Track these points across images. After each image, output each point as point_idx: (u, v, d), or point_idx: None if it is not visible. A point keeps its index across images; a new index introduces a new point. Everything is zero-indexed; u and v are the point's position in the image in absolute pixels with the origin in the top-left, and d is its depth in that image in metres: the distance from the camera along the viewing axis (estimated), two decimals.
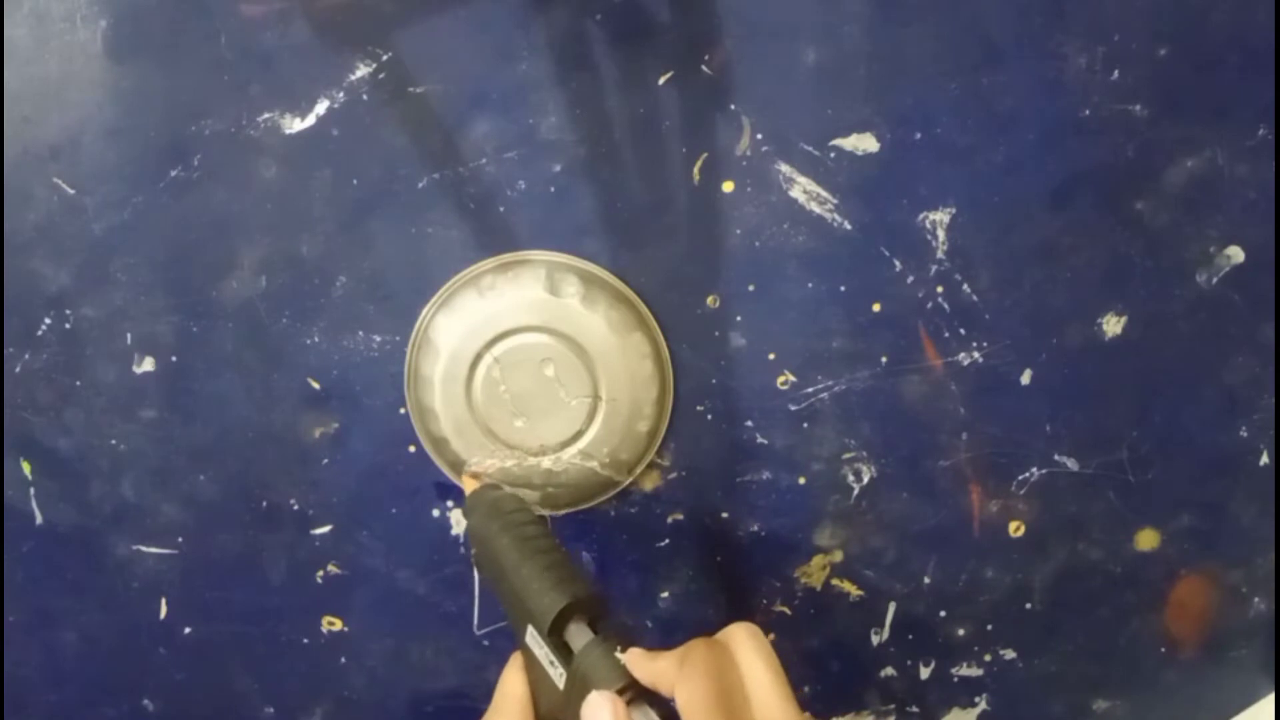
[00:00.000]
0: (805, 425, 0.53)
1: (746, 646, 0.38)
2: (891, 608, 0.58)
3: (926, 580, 0.57)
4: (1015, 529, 0.56)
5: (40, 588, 0.57)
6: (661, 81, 0.47)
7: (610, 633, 0.40)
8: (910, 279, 0.50)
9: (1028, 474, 0.55)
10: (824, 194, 0.49)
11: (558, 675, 0.40)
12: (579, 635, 0.40)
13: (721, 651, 0.37)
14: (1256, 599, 0.59)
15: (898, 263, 0.50)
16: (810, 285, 0.51)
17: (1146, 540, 0.57)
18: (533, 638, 0.41)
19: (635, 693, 0.37)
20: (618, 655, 0.38)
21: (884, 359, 0.52)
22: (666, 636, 0.57)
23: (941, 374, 0.52)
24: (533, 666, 0.42)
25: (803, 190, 0.49)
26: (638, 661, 0.38)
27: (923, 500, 0.55)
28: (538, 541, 0.44)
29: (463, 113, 0.48)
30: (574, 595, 0.40)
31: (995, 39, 0.47)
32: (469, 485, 0.50)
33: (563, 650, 0.40)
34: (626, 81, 0.47)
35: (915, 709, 0.61)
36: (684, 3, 0.46)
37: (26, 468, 0.54)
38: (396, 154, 0.48)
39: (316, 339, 0.51)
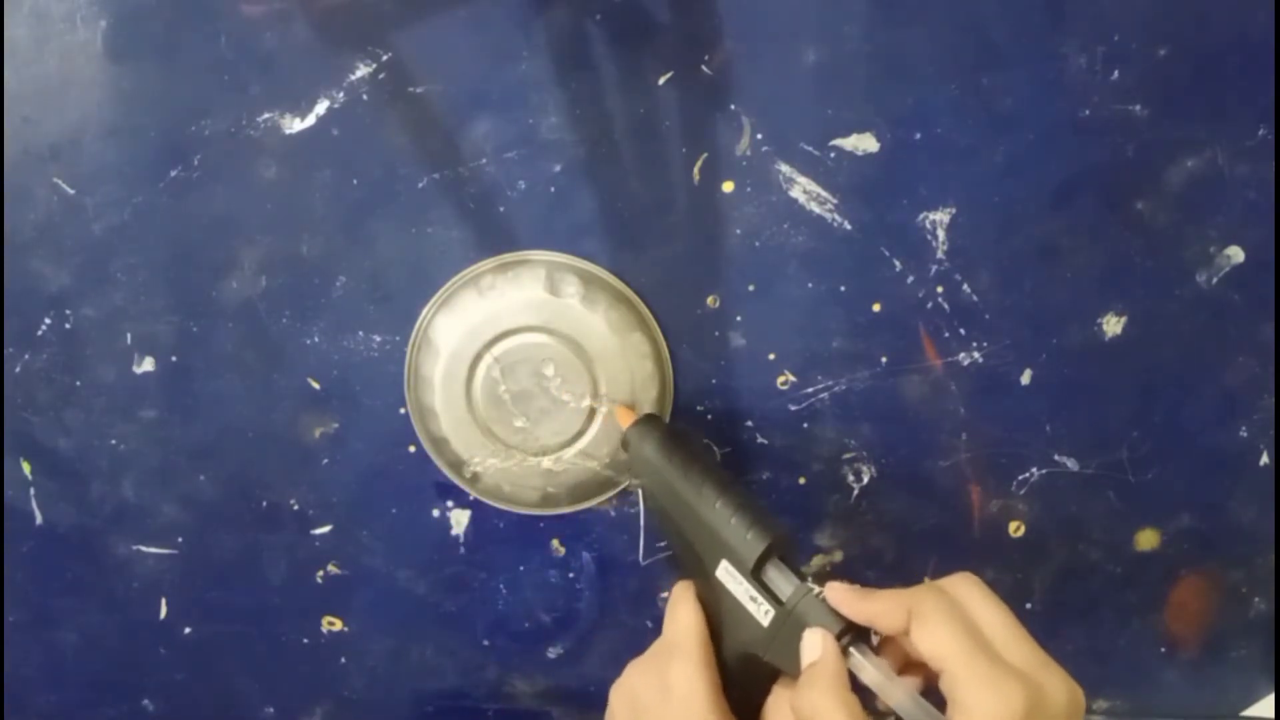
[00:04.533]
0: (805, 425, 0.53)
1: (977, 595, 0.38)
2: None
3: (926, 580, 0.57)
4: (1015, 529, 0.56)
5: (40, 588, 0.57)
6: (661, 81, 0.47)
7: (804, 574, 0.41)
8: (910, 279, 0.50)
9: (1028, 474, 0.55)
10: (824, 194, 0.49)
11: (763, 612, 0.41)
12: (781, 574, 0.41)
13: (953, 600, 0.37)
14: (1256, 599, 0.59)
15: (898, 263, 0.50)
16: (810, 285, 0.51)
17: (1146, 540, 0.57)
18: (728, 573, 0.42)
19: (854, 634, 0.39)
20: (825, 596, 0.39)
21: (884, 359, 0.52)
22: None
23: (941, 374, 0.52)
24: (718, 601, 0.42)
25: (803, 190, 0.49)
26: (848, 600, 0.38)
27: (923, 500, 0.55)
28: (723, 475, 0.44)
29: (463, 113, 0.48)
30: (776, 534, 0.41)
31: (995, 39, 0.47)
32: (625, 416, 0.48)
33: (763, 587, 0.41)
34: (626, 81, 0.47)
35: None
36: (684, 3, 0.46)
37: (26, 468, 0.54)
38: (396, 154, 0.48)
39: (316, 339, 0.51)
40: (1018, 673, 0.34)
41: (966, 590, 0.38)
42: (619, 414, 0.49)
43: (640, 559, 0.49)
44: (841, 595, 0.39)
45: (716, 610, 0.43)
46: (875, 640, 0.39)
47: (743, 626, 0.41)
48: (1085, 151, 0.49)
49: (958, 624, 0.36)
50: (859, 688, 0.38)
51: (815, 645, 0.38)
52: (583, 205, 0.49)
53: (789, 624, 0.40)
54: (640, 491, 0.46)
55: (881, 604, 0.38)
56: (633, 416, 0.48)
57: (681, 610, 0.44)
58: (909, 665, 0.38)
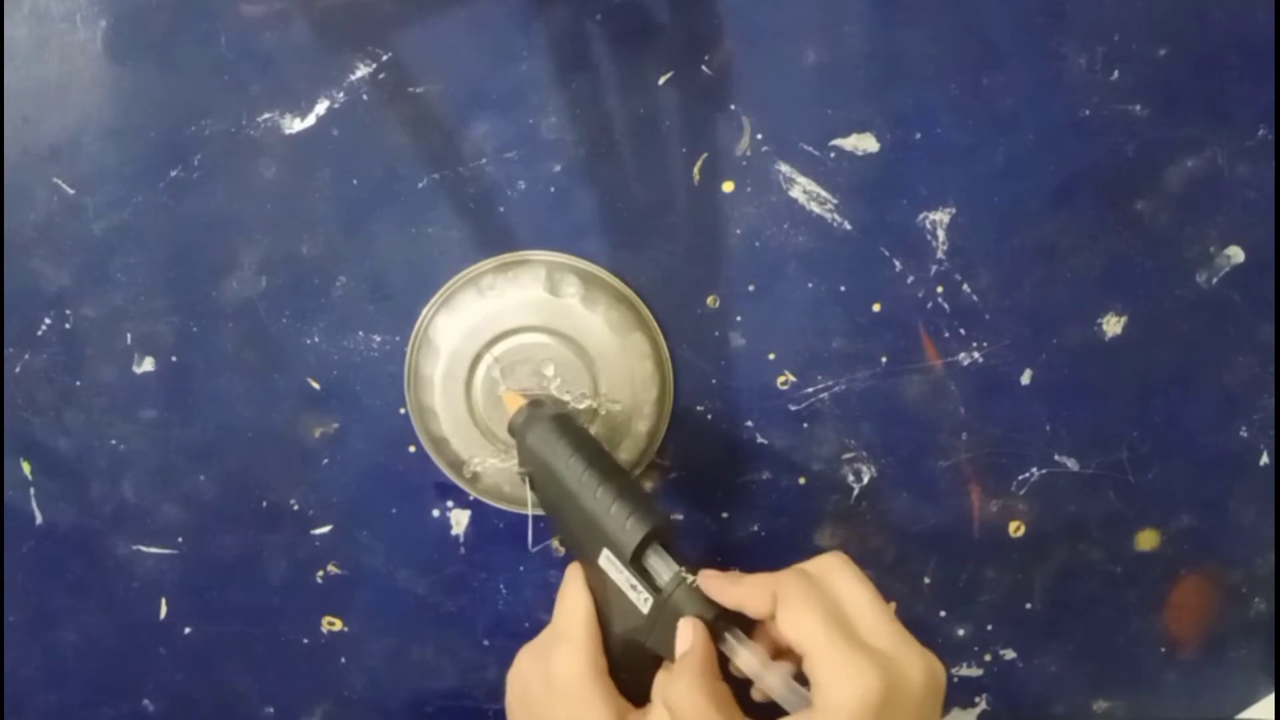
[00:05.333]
0: (805, 425, 0.53)
1: (842, 575, 0.39)
2: (891, 608, 0.58)
3: (926, 580, 0.57)
4: (1015, 529, 0.56)
5: (40, 588, 0.57)
6: (661, 81, 0.47)
7: (685, 560, 0.42)
8: (910, 279, 0.51)
9: (1028, 474, 0.55)
10: (824, 194, 0.49)
11: (642, 600, 0.42)
12: (661, 561, 0.42)
13: (817, 580, 0.38)
14: (1256, 599, 0.59)
15: (898, 263, 0.50)
16: (810, 285, 0.51)
17: (1146, 540, 0.57)
18: (609, 561, 0.42)
19: (726, 620, 0.40)
20: (699, 584, 0.40)
21: (884, 359, 0.52)
22: None
23: (941, 374, 0.52)
24: (604, 586, 0.43)
25: (803, 190, 0.49)
26: (718, 586, 0.39)
27: (923, 500, 0.55)
28: (606, 462, 0.44)
29: (463, 113, 0.48)
30: (655, 522, 0.41)
31: (995, 39, 0.47)
32: (513, 402, 0.48)
33: (643, 574, 0.42)
34: (626, 81, 0.47)
35: None
36: (684, 3, 0.46)
37: (26, 468, 0.54)
38: (396, 154, 0.48)
39: (316, 339, 0.51)
40: (875, 654, 0.35)
41: (831, 571, 0.39)
42: (506, 400, 0.49)
43: (530, 546, 0.50)
44: (712, 582, 0.39)
45: (603, 596, 0.43)
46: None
47: (626, 614, 0.42)
48: (1085, 151, 0.49)
49: (818, 607, 0.36)
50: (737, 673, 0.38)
51: (687, 635, 0.39)
52: (583, 205, 0.49)
53: (666, 611, 0.40)
54: (528, 480, 0.46)
55: (748, 589, 0.38)
56: (520, 403, 0.48)
57: (569, 596, 0.44)
58: (785, 650, 0.39)
